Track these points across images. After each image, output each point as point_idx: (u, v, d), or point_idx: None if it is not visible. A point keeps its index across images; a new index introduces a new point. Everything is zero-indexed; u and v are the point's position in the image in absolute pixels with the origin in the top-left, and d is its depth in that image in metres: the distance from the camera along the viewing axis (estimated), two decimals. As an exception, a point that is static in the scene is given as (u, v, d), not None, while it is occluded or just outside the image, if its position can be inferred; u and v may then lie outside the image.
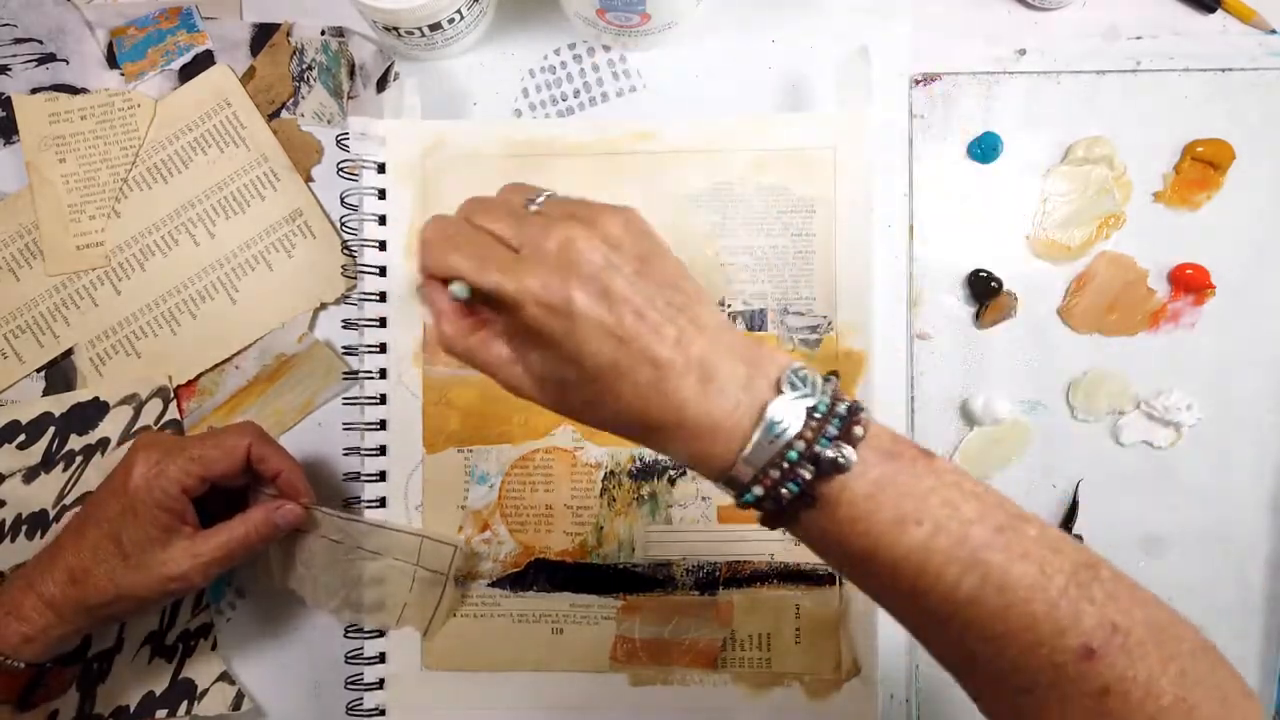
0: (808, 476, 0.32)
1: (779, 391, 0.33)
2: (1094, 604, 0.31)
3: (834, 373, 0.36)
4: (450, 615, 0.53)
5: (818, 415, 0.33)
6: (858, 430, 0.33)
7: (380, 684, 0.53)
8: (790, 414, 0.33)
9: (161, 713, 0.53)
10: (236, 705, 0.54)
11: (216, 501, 0.49)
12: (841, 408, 0.33)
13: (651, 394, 0.33)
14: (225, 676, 0.54)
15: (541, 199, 0.36)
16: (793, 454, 0.32)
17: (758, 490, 0.33)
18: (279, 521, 0.49)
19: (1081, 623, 0.31)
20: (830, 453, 0.32)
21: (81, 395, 0.55)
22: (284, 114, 0.56)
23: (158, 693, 0.54)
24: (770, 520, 0.35)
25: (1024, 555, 0.32)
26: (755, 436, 0.33)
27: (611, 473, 0.53)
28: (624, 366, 0.33)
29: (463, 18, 0.51)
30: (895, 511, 0.33)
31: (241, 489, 0.50)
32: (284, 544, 0.52)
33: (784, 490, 0.33)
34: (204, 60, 0.56)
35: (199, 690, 0.54)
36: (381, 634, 0.53)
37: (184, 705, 0.53)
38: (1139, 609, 0.32)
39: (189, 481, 0.47)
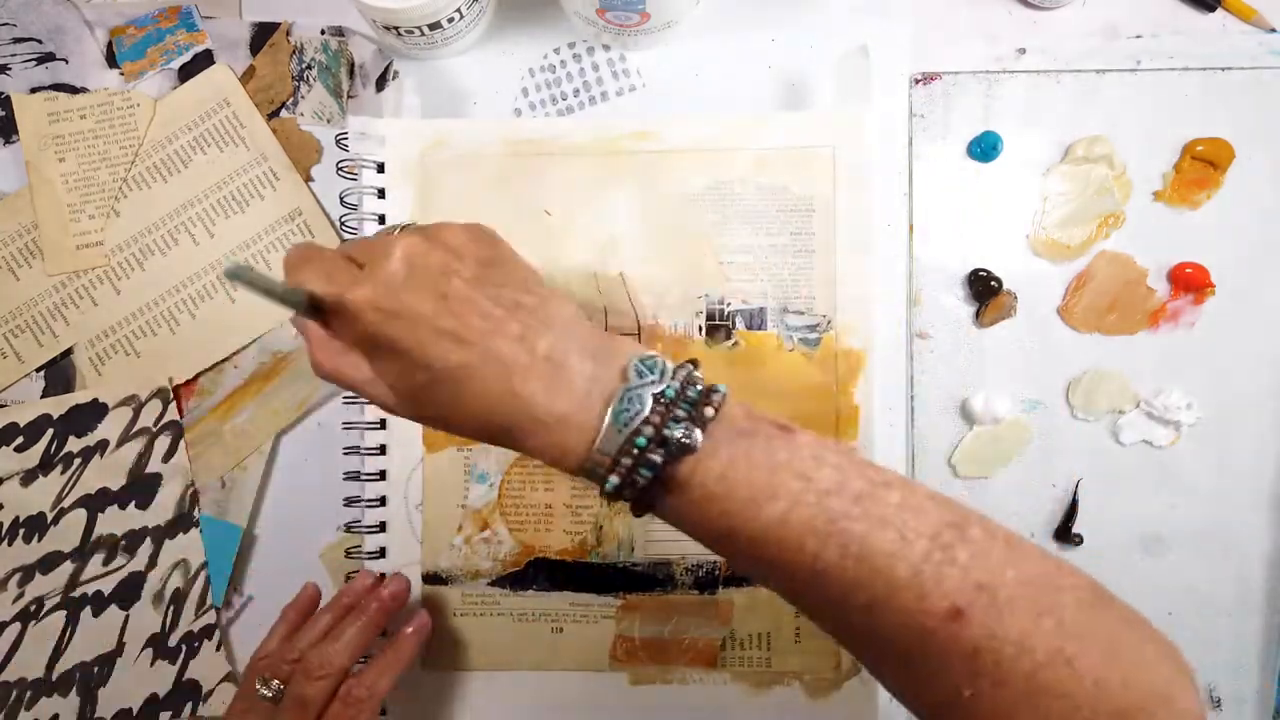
0: (658, 460, 0.32)
1: (626, 380, 0.34)
2: (957, 565, 0.31)
3: (693, 360, 0.36)
4: None
5: (665, 400, 0.33)
6: (707, 411, 0.33)
7: (381, 683, 0.53)
8: (637, 401, 0.33)
9: (166, 714, 0.53)
10: (242, 705, 0.54)
11: None
12: (692, 391, 0.33)
13: (500, 392, 0.33)
14: (231, 677, 0.54)
15: (402, 227, 0.38)
16: (641, 440, 0.33)
17: (614, 479, 0.33)
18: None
19: (944, 585, 0.31)
20: (678, 434, 0.32)
21: (80, 397, 0.55)
22: (283, 113, 0.56)
23: (161, 695, 0.54)
24: (637, 509, 0.35)
25: (883, 522, 0.32)
26: (604, 425, 0.33)
27: (611, 472, 0.53)
28: (471, 366, 0.33)
29: (462, 17, 0.51)
30: (749, 489, 0.33)
31: None
32: None
33: (638, 477, 0.33)
34: (203, 59, 0.56)
35: (204, 691, 0.54)
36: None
37: (189, 707, 0.53)
38: (1011, 567, 0.31)
39: None
